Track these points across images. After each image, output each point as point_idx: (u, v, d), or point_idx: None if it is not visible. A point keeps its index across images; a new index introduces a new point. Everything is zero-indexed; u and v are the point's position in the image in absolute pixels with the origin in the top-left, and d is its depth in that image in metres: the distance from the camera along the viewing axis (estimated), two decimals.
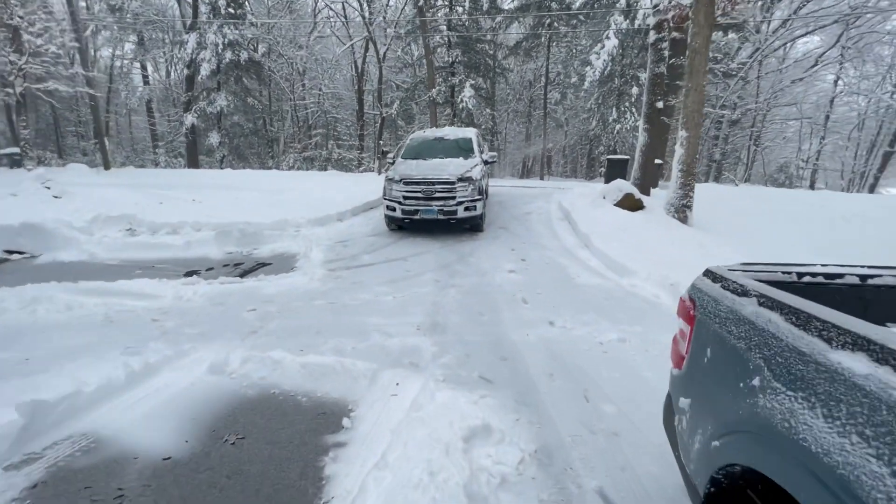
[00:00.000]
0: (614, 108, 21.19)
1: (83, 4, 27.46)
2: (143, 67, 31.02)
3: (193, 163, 25.53)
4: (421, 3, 21.14)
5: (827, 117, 23.30)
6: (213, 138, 24.89)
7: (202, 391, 2.86)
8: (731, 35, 20.64)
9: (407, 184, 6.96)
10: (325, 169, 25.71)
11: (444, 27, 24.05)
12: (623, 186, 8.47)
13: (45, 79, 13.13)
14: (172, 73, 32.21)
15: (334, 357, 3.22)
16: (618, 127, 20.73)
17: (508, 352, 3.47)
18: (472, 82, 23.41)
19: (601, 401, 2.82)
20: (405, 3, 26.70)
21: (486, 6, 23.00)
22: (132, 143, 36.20)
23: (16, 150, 18.48)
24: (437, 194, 6.90)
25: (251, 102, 26.79)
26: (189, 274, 5.41)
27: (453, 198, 6.91)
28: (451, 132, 8.59)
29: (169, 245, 6.24)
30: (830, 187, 28.01)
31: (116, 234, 6.87)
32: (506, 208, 9.62)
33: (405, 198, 7.01)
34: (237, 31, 23.97)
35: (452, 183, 6.85)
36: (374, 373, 3.01)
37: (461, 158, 7.77)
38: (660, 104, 9.68)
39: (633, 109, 20.56)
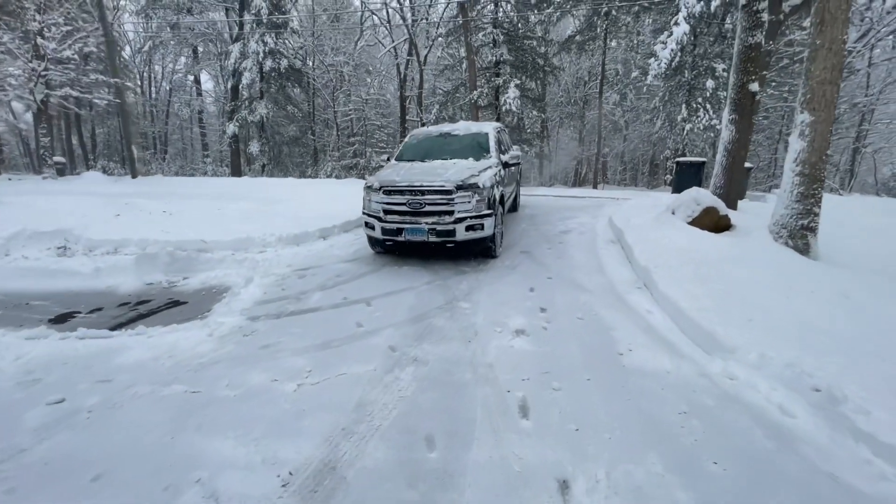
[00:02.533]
0: (683, 106, 18.16)
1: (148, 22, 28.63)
2: (196, 80, 32.00)
3: (237, 171, 25.58)
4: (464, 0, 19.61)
5: None
6: (254, 147, 24.68)
7: None
8: None
9: (388, 193, 5.08)
10: (363, 177, 24.70)
11: (489, 25, 22.21)
12: (702, 197, 6.05)
13: (68, 85, 12.83)
14: (221, 84, 33.01)
15: None
16: (688, 127, 17.68)
17: None
18: (518, 82, 21.34)
19: None
20: (447, 3, 25.32)
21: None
22: (188, 153, 37.73)
23: (61, 159, 18.95)
24: (428, 208, 4.95)
25: (291, 111, 26.51)
26: (58, 319, 3.87)
27: (450, 213, 4.93)
28: (463, 127, 6.62)
29: (75, 272, 4.79)
30: None
31: (38, 253, 5.58)
32: (538, 224, 7.46)
33: (386, 212, 5.13)
34: (280, 40, 23.78)
35: (449, 192, 4.87)
36: None
37: (471, 159, 5.78)
38: (754, 86, 7.11)
39: (708, 106, 17.46)
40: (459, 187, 4.88)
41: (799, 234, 4.71)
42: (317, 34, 28.71)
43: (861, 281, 4.09)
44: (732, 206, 7.43)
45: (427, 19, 26.22)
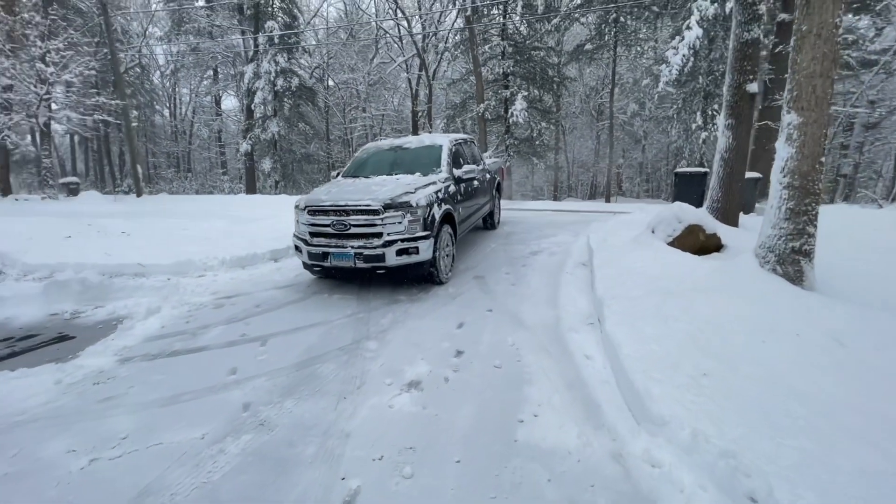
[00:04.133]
0: (699, 113, 17.10)
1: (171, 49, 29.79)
2: (216, 102, 33.02)
3: (251, 188, 25.95)
4: (469, 13, 19.47)
5: None
6: (266, 164, 25.06)
7: None
8: (864, 18, 15.92)
9: (313, 213, 4.57)
10: None
11: (496, 37, 21.87)
12: (684, 214, 5.26)
13: (69, 108, 13.13)
14: (240, 104, 33.95)
15: None
16: (703, 135, 16.60)
17: None
18: (525, 93, 20.80)
19: None
20: (456, 17, 25.25)
21: (541, 8, 20.41)
22: (214, 172, 38.78)
23: (74, 179, 19.59)
24: (354, 229, 4.40)
25: (303, 128, 26.81)
26: None
27: (378, 235, 4.36)
28: (416, 140, 6.07)
29: None
30: None
31: None
32: (510, 244, 6.78)
33: (312, 235, 4.62)
34: (292, 59, 24.24)
35: (375, 212, 4.31)
36: None
37: (417, 174, 5.21)
38: (752, 87, 6.27)
39: None
40: (388, 206, 4.31)
41: (789, 258, 3.87)
42: (330, 53, 29.22)
43: (864, 321, 3.24)
44: (732, 221, 6.56)
45: (436, 34, 26.17)
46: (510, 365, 3.10)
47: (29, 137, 26.25)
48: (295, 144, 27.38)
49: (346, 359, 3.27)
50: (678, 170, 8.68)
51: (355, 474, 2.07)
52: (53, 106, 12.84)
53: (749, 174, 8.32)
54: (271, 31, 22.68)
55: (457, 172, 5.46)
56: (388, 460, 2.16)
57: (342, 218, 4.40)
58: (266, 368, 3.15)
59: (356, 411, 2.59)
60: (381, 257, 4.34)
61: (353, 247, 4.38)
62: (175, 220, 8.98)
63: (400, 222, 4.35)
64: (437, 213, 4.68)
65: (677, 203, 5.54)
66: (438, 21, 26.29)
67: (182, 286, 5.02)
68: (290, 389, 2.86)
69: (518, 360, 3.17)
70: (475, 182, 6.08)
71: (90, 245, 6.58)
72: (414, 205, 4.39)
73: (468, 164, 6.12)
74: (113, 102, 13.66)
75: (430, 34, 26.26)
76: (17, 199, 13.77)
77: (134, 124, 27.87)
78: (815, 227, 3.86)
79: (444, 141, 5.81)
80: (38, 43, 11.80)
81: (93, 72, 13.58)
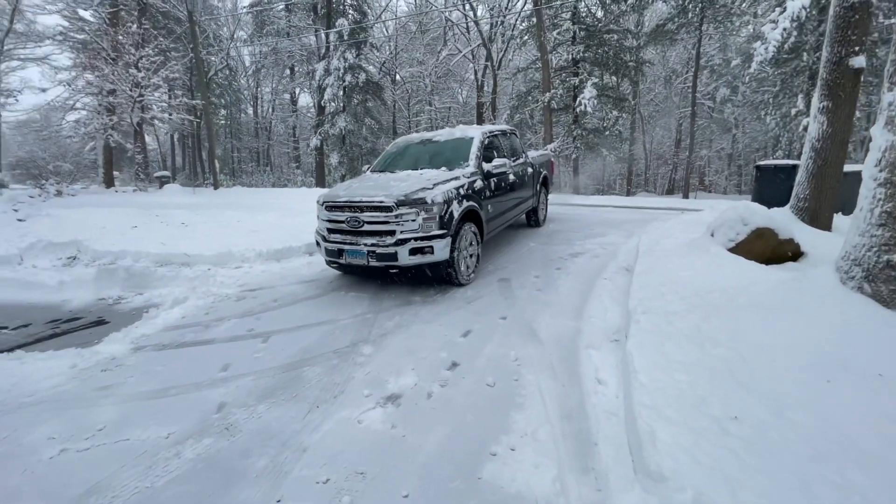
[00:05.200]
0: (800, 97, 14.85)
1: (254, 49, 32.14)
2: (293, 100, 35.04)
3: (321, 181, 27.25)
4: None
5: None
6: (334, 158, 26.11)
7: None
8: None
9: (330, 209, 4.50)
10: None
11: (567, 21, 20.77)
12: (751, 215, 4.44)
13: (161, 109, 14.58)
14: (313, 101, 35.74)
15: None
16: (805, 122, 14.38)
17: None
18: (595, 80, 19.54)
19: None
20: (525, 1, 24.33)
21: None
22: (285, 165, 41.42)
23: (166, 173, 21.78)
24: (367, 227, 4.25)
25: (369, 123, 27.58)
26: None
27: (391, 233, 4.17)
28: (447, 133, 5.76)
29: (43, 284, 5.00)
30: None
31: (48, 263, 6.05)
32: (552, 243, 6.27)
33: (330, 231, 4.55)
34: (360, 55, 24.92)
35: (388, 209, 4.12)
36: None
37: (443, 169, 4.94)
38: (857, 61, 5.14)
39: None
40: (401, 203, 4.10)
41: (882, 275, 3.06)
42: (399, 46, 29.71)
43: None
44: (823, 224, 5.50)
45: (502, 22, 25.45)
46: (505, 384, 2.76)
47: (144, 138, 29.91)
48: (362, 139, 28.28)
49: (336, 363, 3.13)
50: (760, 162, 7.48)
51: (292, 497, 1.90)
52: (148, 108, 14.35)
53: (851, 167, 6.98)
54: (341, 28, 23.43)
55: (486, 167, 5.10)
56: (332, 485, 1.96)
57: (356, 214, 4.28)
58: (257, 367, 3.11)
59: (322, 423, 2.42)
60: (394, 256, 4.15)
61: (366, 244, 4.25)
62: (234, 211, 9.53)
63: (414, 220, 4.12)
64: (457, 210, 4.38)
65: (744, 202, 4.73)
66: (506, 8, 25.49)
67: (214, 277, 5.23)
68: (269, 392, 2.77)
69: (516, 378, 2.82)
70: (510, 177, 5.67)
71: (150, 235, 7.15)
72: (429, 202, 4.14)
73: (503, 157, 5.72)
74: (193, 103, 14.96)
75: (497, 22, 25.60)
76: (116, 191, 15.62)
77: (222, 122, 30.48)
78: None
79: (475, 133, 5.47)
80: (132, 51, 13.19)
81: (177, 76, 15.01)
